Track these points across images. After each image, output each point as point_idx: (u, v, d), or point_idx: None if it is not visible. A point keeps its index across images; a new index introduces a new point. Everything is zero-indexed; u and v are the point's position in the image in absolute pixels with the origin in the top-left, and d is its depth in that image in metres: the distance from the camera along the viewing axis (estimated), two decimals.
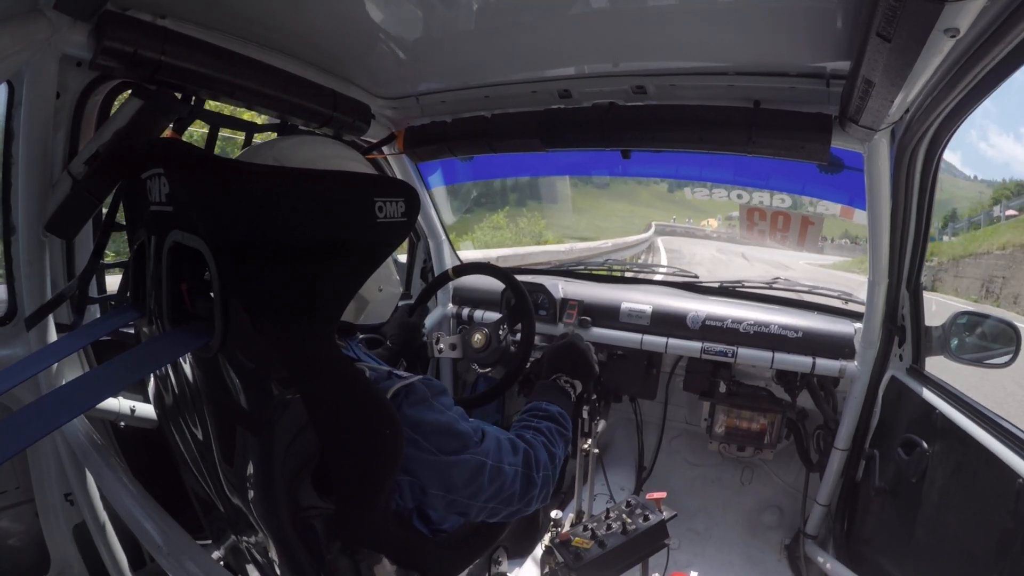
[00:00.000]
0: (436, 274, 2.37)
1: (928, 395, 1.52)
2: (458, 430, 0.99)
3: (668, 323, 2.14)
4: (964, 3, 0.63)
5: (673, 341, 2.11)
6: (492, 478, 1.01)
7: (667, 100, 1.51)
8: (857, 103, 1.08)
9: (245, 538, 1.05)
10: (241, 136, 1.59)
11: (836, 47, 1.16)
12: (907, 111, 1.18)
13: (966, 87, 0.98)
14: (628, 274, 3.00)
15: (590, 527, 1.40)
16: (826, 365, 1.92)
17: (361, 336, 1.14)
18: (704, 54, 1.37)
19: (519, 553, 1.47)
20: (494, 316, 2.35)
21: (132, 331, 1.37)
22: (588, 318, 2.22)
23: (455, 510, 1.02)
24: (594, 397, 1.91)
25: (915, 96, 1.03)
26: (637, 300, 2.22)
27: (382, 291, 1.11)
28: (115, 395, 1.38)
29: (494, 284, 2.30)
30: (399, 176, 2.09)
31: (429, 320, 2.34)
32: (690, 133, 1.49)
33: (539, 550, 1.45)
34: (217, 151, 1.62)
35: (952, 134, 1.25)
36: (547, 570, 1.36)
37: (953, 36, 0.70)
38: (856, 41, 0.97)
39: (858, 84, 1.00)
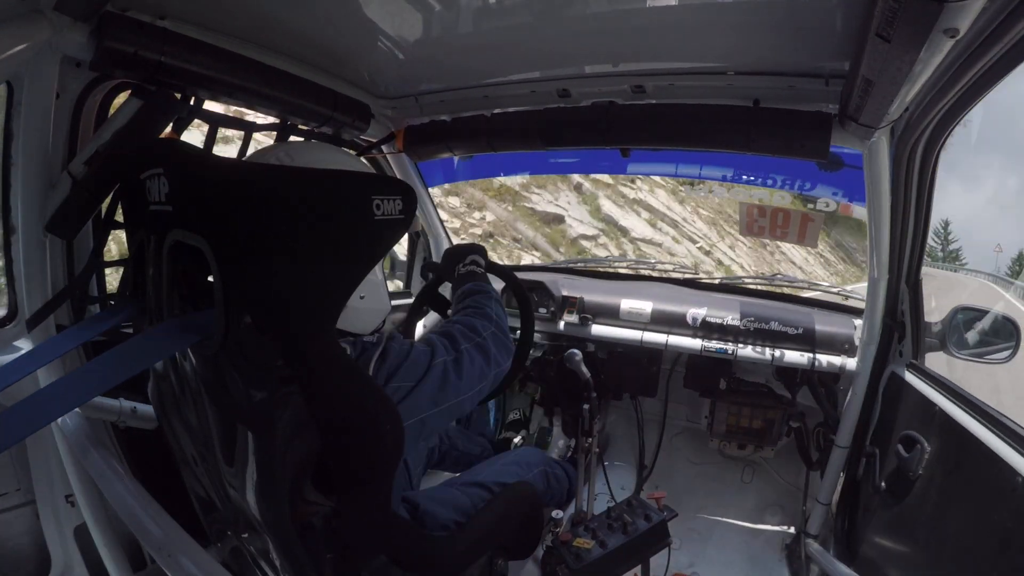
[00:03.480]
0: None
1: (928, 391, 1.52)
2: (417, 355, 1.06)
3: (668, 320, 2.14)
4: (964, 3, 0.63)
5: (673, 338, 2.11)
6: (456, 369, 1.08)
7: (666, 99, 1.51)
8: (856, 102, 1.09)
9: (245, 538, 1.06)
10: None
11: (835, 47, 1.16)
12: (906, 109, 1.18)
13: (965, 86, 0.98)
14: (628, 271, 3.00)
15: (591, 527, 1.40)
16: (826, 361, 1.92)
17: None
18: (703, 54, 1.37)
19: (519, 553, 1.47)
20: None
21: (132, 331, 1.37)
22: (589, 316, 2.22)
23: (455, 414, 1.10)
24: (594, 395, 1.91)
25: (914, 95, 1.03)
26: (637, 298, 2.22)
27: (364, 299, 1.10)
28: (112, 388, 1.38)
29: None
30: (399, 175, 2.09)
31: (429, 318, 2.34)
32: (690, 132, 1.49)
33: (540, 550, 1.45)
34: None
35: (951, 131, 1.26)
36: (548, 570, 1.36)
37: (952, 36, 0.70)
38: (855, 41, 0.97)
39: (857, 83, 1.00)
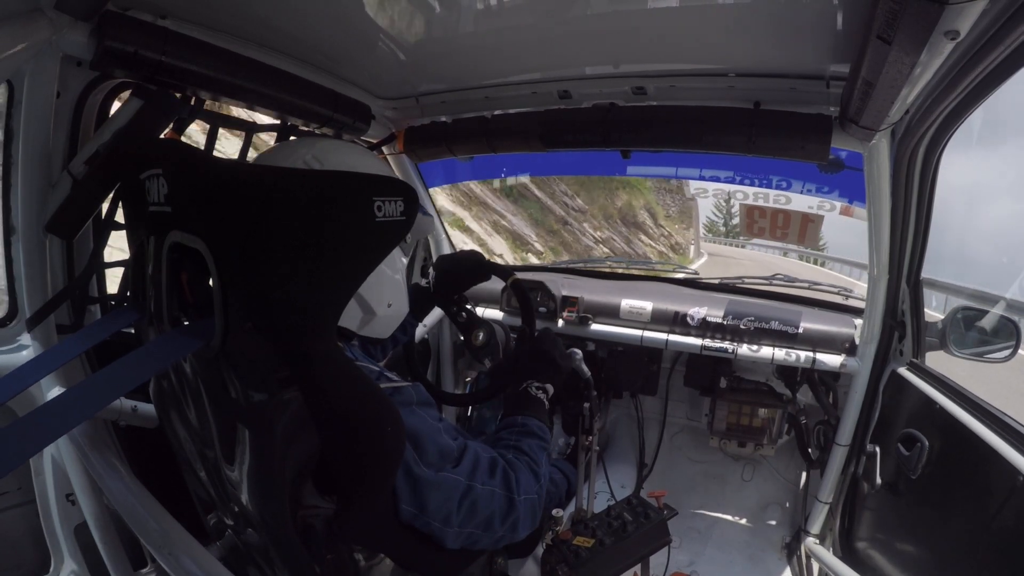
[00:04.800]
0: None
1: (928, 390, 1.53)
2: (438, 442, 0.99)
3: (668, 320, 2.15)
4: (965, 5, 0.64)
5: (673, 338, 2.11)
6: (462, 498, 1.01)
7: (667, 101, 1.51)
8: (857, 104, 1.09)
9: (245, 537, 1.06)
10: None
11: (836, 49, 1.16)
12: (907, 112, 1.18)
13: (966, 88, 0.98)
14: (628, 271, 3.00)
15: (591, 526, 1.40)
16: (827, 360, 1.93)
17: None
18: (704, 56, 1.37)
19: (519, 553, 1.47)
20: (494, 313, 2.36)
21: (133, 331, 1.37)
22: (588, 315, 2.23)
23: (427, 531, 1.01)
24: (594, 393, 1.91)
25: (915, 97, 1.03)
26: (637, 297, 2.23)
27: (391, 307, 1.12)
28: (117, 399, 1.38)
29: (494, 281, 2.30)
30: (399, 176, 2.09)
31: (429, 319, 2.34)
32: (690, 134, 1.49)
33: (539, 549, 1.45)
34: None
35: (953, 133, 1.26)
36: (547, 569, 1.36)
37: (953, 39, 0.70)
38: (856, 43, 0.97)
39: (858, 85, 1.00)
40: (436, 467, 0.98)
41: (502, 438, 1.23)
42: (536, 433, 1.24)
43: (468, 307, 1.73)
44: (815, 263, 19.02)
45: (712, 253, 20.28)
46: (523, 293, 1.57)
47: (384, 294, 1.10)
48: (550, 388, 1.37)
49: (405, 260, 1.19)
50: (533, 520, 1.12)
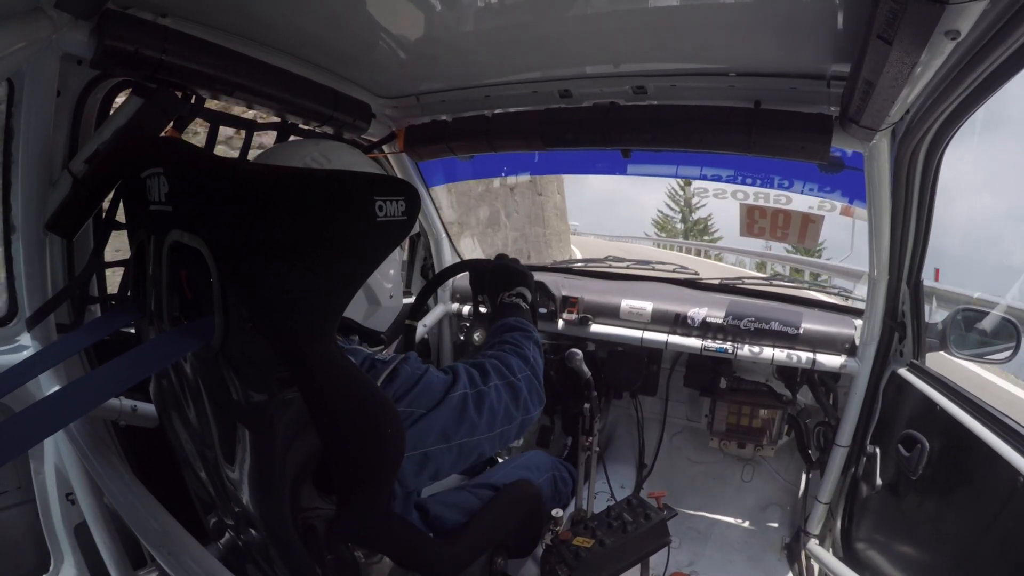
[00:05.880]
0: (436, 271, 2.36)
1: (928, 391, 1.53)
2: (433, 381, 1.03)
3: (668, 320, 2.15)
4: (965, 5, 0.63)
5: (673, 338, 2.11)
6: (477, 405, 1.04)
7: (667, 100, 1.51)
8: (858, 104, 1.09)
9: (245, 537, 1.06)
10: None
11: (837, 49, 1.16)
12: (908, 112, 1.18)
13: (967, 88, 0.98)
14: (628, 271, 3.00)
15: (591, 526, 1.41)
16: (827, 361, 1.93)
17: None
18: (705, 55, 1.37)
19: (519, 552, 1.47)
20: None
21: (133, 331, 1.37)
22: (589, 315, 2.23)
23: (467, 456, 1.04)
24: (595, 394, 1.92)
25: (916, 97, 1.03)
26: (637, 297, 2.23)
27: (392, 299, 1.17)
28: (115, 396, 1.38)
29: None
30: (399, 175, 2.09)
31: (429, 319, 2.34)
32: (691, 133, 1.49)
33: (539, 549, 1.46)
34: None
35: (954, 133, 1.26)
36: (547, 569, 1.36)
37: (954, 39, 0.70)
38: (857, 43, 0.97)
39: (859, 85, 1.00)
40: (440, 401, 1.01)
41: (488, 346, 1.26)
42: (515, 326, 1.28)
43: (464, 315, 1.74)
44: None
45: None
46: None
47: (388, 286, 1.16)
48: (525, 292, 1.41)
49: (403, 252, 1.23)
50: (539, 394, 1.16)
